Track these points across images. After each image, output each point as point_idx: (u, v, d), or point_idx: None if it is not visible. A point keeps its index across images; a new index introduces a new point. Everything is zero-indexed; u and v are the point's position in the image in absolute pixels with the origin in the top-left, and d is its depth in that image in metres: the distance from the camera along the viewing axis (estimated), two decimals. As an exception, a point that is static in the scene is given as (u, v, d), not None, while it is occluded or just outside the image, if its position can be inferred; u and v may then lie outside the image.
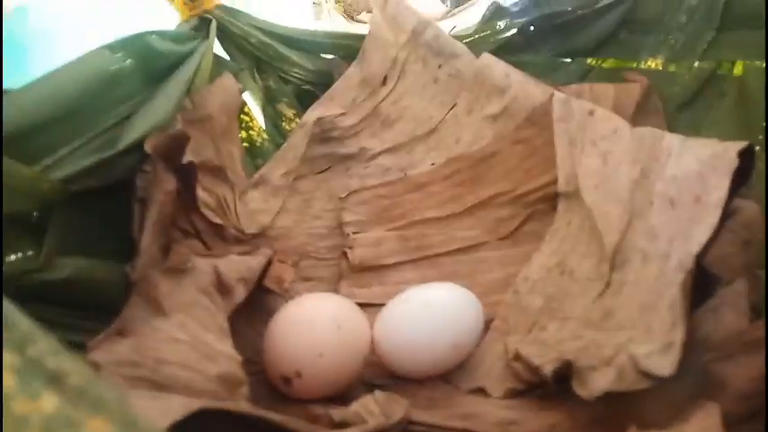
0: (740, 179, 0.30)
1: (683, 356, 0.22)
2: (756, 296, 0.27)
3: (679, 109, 0.45)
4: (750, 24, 0.43)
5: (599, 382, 0.24)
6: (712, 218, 0.25)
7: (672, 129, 0.44)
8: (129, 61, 0.33)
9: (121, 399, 0.11)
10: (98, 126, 0.30)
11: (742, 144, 0.28)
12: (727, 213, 0.31)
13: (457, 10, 1.44)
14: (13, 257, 0.25)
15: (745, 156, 0.29)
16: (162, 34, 0.37)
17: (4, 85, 0.28)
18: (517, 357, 0.31)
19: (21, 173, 0.24)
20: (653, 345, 0.23)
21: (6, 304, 0.11)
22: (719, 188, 0.27)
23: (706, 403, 0.20)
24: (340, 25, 1.46)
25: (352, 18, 1.47)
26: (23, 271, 0.24)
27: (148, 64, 0.35)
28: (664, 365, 0.21)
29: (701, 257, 0.25)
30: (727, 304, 0.25)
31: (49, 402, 0.10)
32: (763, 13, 0.42)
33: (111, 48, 0.32)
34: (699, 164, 0.30)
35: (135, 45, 0.34)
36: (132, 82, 0.33)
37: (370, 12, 1.45)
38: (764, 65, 0.42)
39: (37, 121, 0.26)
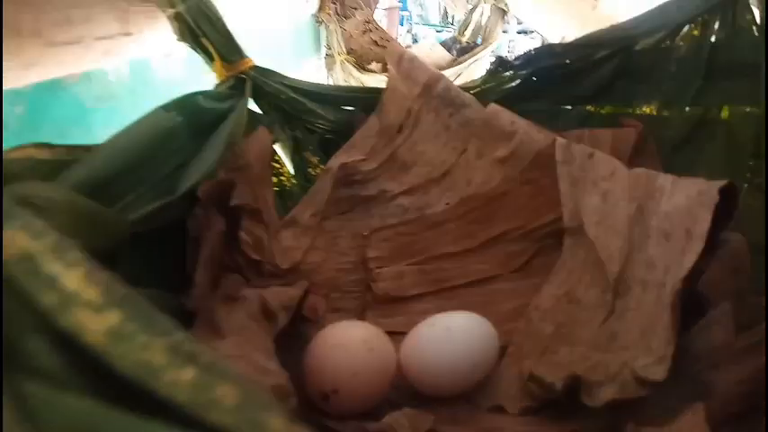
0: (727, 214, 0.34)
1: (676, 368, 0.25)
2: (742, 316, 0.30)
3: (674, 151, 0.49)
4: (734, 73, 0.48)
5: (604, 394, 0.27)
6: (697, 246, 0.29)
7: (668, 169, 0.48)
8: (180, 119, 0.38)
9: (240, 372, 0.14)
10: (157, 175, 0.34)
11: (723, 182, 0.32)
12: (717, 245, 0.35)
13: (462, 58, 1.52)
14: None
15: (728, 192, 0.33)
16: (206, 94, 0.42)
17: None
18: (531, 378, 0.34)
19: (106, 214, 0.28)
20: (650, 358, 0.26)
21: (150, 306, 0.15)
22: (704, 221, 0.30)
23: (694, 404, 0.23)
24: (351, 74, 1.54)
25: (362, 68, 1.55)
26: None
27: (196, 120, 0.39)
28: (657, 372, 0.25)
29: (690, 281, 0.29)
30: (716, 323, 0.28)
31: (190, 373, 0.14)
32: (745, 63, 0.46)
33: (166, 108, 0.37)
34: (688, 200, 0.34)
35: (185, 104, 0.39)
36: (183, 135, 0.38)
37: (379, 62, 1.53)
38: (749, 108, 0.46)
39: (111, 172, 0.30)
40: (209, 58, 0.47)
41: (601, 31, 0.53)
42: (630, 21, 0.52)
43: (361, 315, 0.43)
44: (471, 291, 0.44)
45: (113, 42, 0.39)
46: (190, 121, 0.39)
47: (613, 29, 0.52)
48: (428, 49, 1.48)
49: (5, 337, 0.14)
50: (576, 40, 0.53)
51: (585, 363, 0.33)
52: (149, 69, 0.49)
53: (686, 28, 0.50)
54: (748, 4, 0.46)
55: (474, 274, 0.45)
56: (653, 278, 0.34)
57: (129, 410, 0.13)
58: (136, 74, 0.47)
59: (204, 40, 0.46)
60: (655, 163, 0.49)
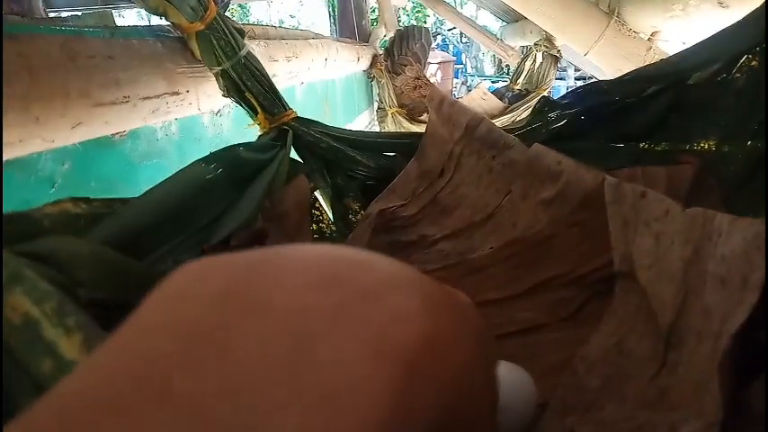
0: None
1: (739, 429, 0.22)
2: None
3: (737, 187, 0.45)
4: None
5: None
6: (752, 298, 0.26)
7: (729, 206, 0.44)
8: (220, 171, 0.39)
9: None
10: (194, 226, 0.35)
11: None
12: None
13: (515, 105, 1.52)
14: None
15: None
16: (247, 146, 0.43)
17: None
18: (576, 437, 0.31)
19: (135, 267, 0.28)
20: (699, 423, 0.23)
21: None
22: (760, 268, 0.27)
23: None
24: (402, 125, 1.57)
25: (413, 119, 1.58)
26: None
27: (236, 172, 0.41)
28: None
29: (744, 337, 0.26)
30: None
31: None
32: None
33: (206, 161, 0.39)
34: (745, 244, 0.30)
35: (225, 157, 0.40)
36: (223, 187, 0.39)
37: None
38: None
39: (145, 224, 0.31)
40: (252, 111, 0.49)
41: (650, 65, 0.51)
42: (681, 54, 0.50)
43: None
44: (515, 341, 0.41)
45: (160, 101, 0.42)
46: (230, 172, 0.40)
47: (664, 63, 0.50)
48: (480, 97, 1.49)
49: (7, 396, 0.14)
50: (625, 75, 0.51)
51: (631, 422, 0.29)
52: (198, 126, 0.52)
53: (743, 59, 0.47)
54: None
55: (518, 323, 0.42)
56: (708, 328, 0.30)
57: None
58: (185, 130, 0.49)
59: (248, 95, 0.48)
60: (714, 201, 0.45)
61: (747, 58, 0.47)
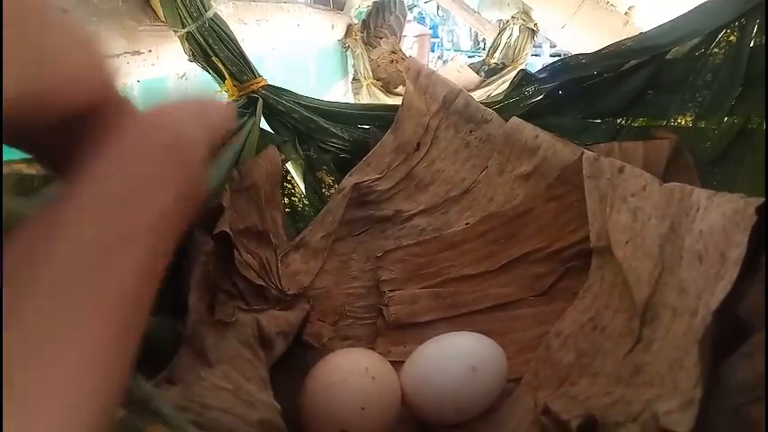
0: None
1: (711, 403, 0.22)
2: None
3: (712, 163, 0.45)
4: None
5: (626, 437, 0.24)
6: (731, 274, 0.25)
7: (705, 183, 0.44)
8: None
9: (174, 411, 0.12)
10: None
11: (760, 200, 0.28)
12: (758, 266, 0.31)
13: (491, 79, 1.50)
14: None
15: (765, 211, 0.29)
16: (214, 112, 0.41)
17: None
18: (546, 412, 0.30)
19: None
20: (675, 401, 0.23)
21: None
22: (740, 245, 0.27)
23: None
24: (378, 97, 1.54)
25: (389, 92, 1.55)
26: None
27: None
28: (681, 423, 0.21)
29: (726, 310, 0.25)
30: (761, 350, 0.24)
31: (117, 413, 0.12)
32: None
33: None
34: (723, 219, 0.30)
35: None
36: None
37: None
38: None
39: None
40: (220, 77, 0.47)
41: (629, 39, 0.50)
42: (660, 28, 0.49)
43: (372, 343, 0.40)
44: (490, 316, 0.41)
45: (120, 61, 0.39)
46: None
47: (642, 37, 0.49)
48: (456, 70, 1.47)
49: None
50: (603, 49, 0.51)
51: (605, 398, 0.29)
52: (162, 89, 0.49)
53: (721, 33, 0.46)
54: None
55: (494, 299, 0.42)
56: (684, 305, 0.30)
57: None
58: (147, 93, 0.46)
59: (215, 60, 0.46)
60: (691, 177, 0.45)
61: (725, 32, 0.46)
